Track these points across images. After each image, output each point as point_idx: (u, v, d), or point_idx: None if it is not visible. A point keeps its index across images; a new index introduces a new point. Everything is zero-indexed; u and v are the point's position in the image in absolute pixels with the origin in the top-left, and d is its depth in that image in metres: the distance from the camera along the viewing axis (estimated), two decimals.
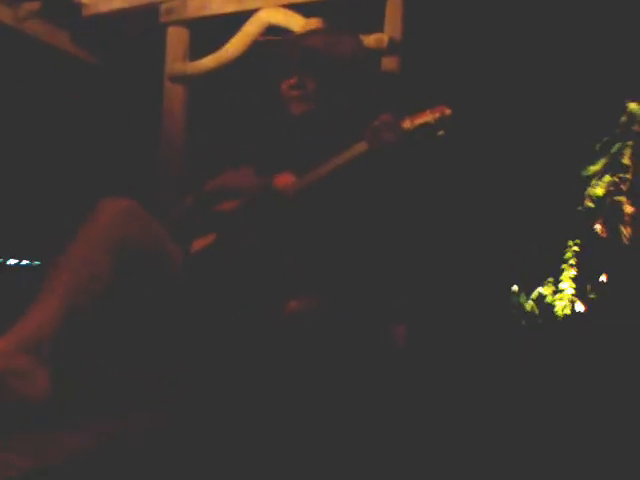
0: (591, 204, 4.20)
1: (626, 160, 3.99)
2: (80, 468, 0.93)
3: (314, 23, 1.65)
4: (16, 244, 2.81)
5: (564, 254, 4.32)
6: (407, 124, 1.44)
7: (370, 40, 1.94)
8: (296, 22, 2.05)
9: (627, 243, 3.89)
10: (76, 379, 1.17)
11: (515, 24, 3.52)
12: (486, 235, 3.86)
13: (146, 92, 2.60)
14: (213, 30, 2.41)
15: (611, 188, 4.06)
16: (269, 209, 1.54)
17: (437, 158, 1.58)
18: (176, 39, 2.42)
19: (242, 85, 2.55)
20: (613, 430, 1.72)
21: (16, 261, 2.84)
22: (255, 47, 2.16)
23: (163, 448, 1.10)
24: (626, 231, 3.90)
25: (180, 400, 1.24)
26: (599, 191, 4.13)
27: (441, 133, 1.42)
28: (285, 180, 1.59)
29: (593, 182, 4.15)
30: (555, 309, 4.02)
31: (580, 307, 3.97)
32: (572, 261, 4.27)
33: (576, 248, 4.30)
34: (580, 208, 4.29)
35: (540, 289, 4.29)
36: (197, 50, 2.41)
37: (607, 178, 4.08)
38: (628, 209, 3.93)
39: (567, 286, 4.21)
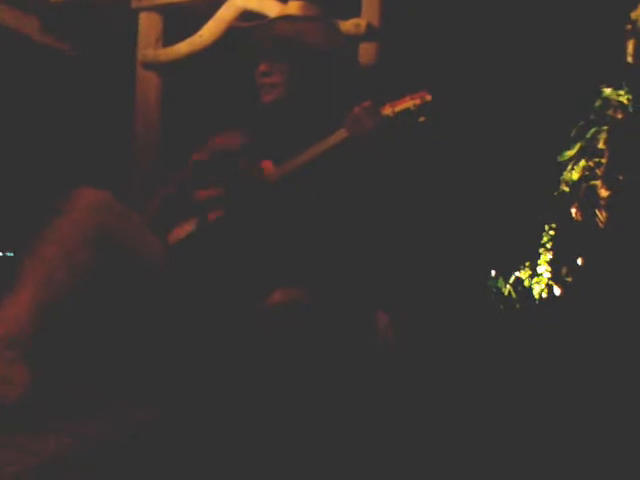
0: (567, 189, 4.24)
1: (601, 145, 4.02)
2: (63, 470, 0.91)
3: (292, 8, 1.62)
4: None
5: (541, 238, 4.37)
6: (387, 110, 1.43)
7: (347, 25, 1.92)
8: (271, 7, 2.02)
9: (602, 227, 3.93)
10: (55, 376, 1.15)
11: (492, 10, 3.52)
12: (463, 221, 3.88)
13: (119, 80, 2.55)
14: (187, 16, 2.37)
15: (586, 173, 4.10)
16: (250, 197, 1.53)
17: (415, 144, 1.58)
18: (148, 25, 2.37)
19: (218, 72, 2.51)
20: (592, 415, 1.74)
21: None
22: (230, 33, 2.13)
23: (146, 446, 1.08)
24: (601, 215, 3.94)
25: (164, 396, 1.23)
26: (574, 176, 4.16)
27: (422, 119, 1.41)
28: (265, 168, 1.58)
29: (569, 167, 4.18)
30: (533, 293, 4.06)
31: (557, 291, 4.02)
32: (548, 245, 4.32)
33: (552, 232, 4.35)
34: (556, 193, 4.33)
35: (517, 273, 4.33)
36: (171, 36, 2.37)
37: (582, 163, 4.11)
38: (603, 193, 3.97)
39: (544, 270, 4.26)
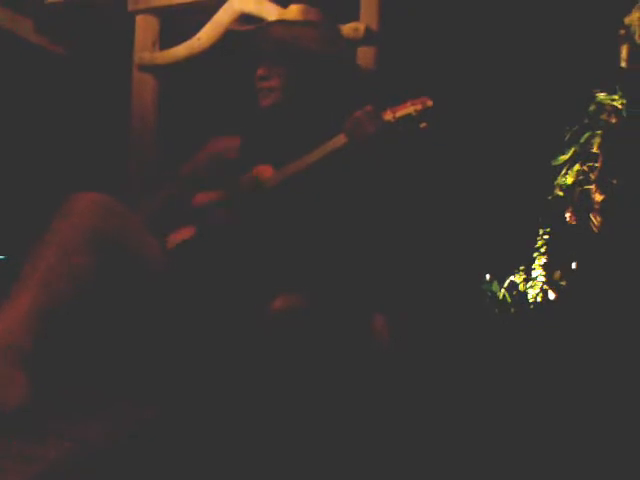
0: (561, 193, 4.27)
1: (595, 149, 4.05)
2: (64, 475, 0.91)
3: (292, 12, 1.62)
4: None
5: (535, 242, 4.39)
6: (388, 116, 1.42)
7: (346, 29, 1.92)
8: (269, 11, 2.02)
9: (597, 231, 3.96)
10: (55, 380, 1.14)
11: (487, 16, 3.54)
12: (458, 224, 3.90)
13: (115, 82, 2.54)
14: (183, 19, 2.37)
15: (580, 177, 4.12)
16: (249, 202, 1.52)
17: (413, 149, 1.58)
18: (145, 28, 2.37)
19: (214, 75, 2.51)
20: (587, 418, 1.75)
21: None
22: (227, 36, 2.13)
23: (147, 448, 1.08)
24: (596, 220, 3.96)
25: (164, 397, 1.22)
26: (569, 180, 4.18)
27: (423, 125, 1.41)
28: (264, 172, 1.58)
29: (563, 171, 4.21)
30: (528, 297, 4.07)
31: (552, 295, 4.03)
32: (543, 249, 4.34)
33: (547, 236, 4.37)
34: (550, 197, 4.35)
35: (512, 277, 4.35)
36: (168, 39, 2.37)
37: (576, 167, 4.13)
38: (597, 197, 3.99)
39: (538, 274, 4.28)
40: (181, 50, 2.24)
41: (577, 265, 3.91)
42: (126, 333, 1.34)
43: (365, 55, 1.95)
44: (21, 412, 1.02)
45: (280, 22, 1.61)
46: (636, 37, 3.90)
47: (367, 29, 1.90)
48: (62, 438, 1.00)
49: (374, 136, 1.41)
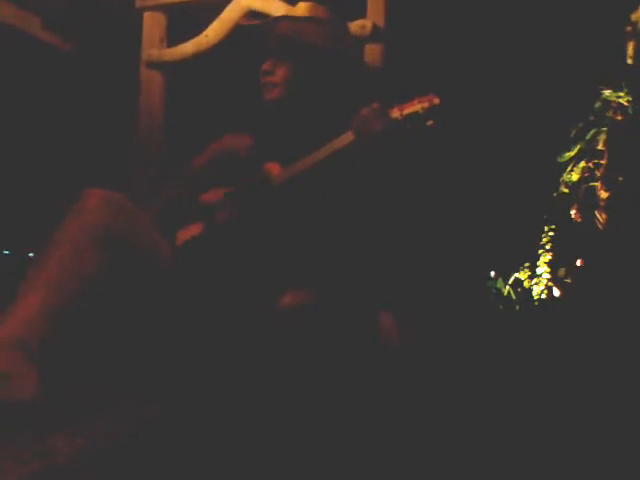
0: (566, 190, 4.26)
1: (601, 146, 4.03)
2: (77, 470, 0.91)
3: (300, 9, 1.62)
4: None
5: (540, 239, 4.38)
6: (395, 113, 1.42)
7: (353, 27, 1.92)
8: (276, 7, 2.02)
9: (602, 228, 3.95)
10: (64, 377, 1.15)
11: (493, 12, 3.54)
12: (463, 221, 3.89)
13: (122, 79, 2.54)
14: (191, 16, 2.37)
15: (586, 174, 4.12)
16: (256, 199, 1.53)
17: (419, 146, 1.58)
18: (152, 25, 2.37)
19: (221, 71, 2.52)
20: (592, 415, 1.75)
21: None
22: (235, 33, 2.13)
23: (158, 447, 1.08)
24: (601, 217, 3.95)
25: (173, 395, 1.23)
26: (574, 177, 4.17)
27: (430, 123, 1.41)
28: (271, 170, 1.58)
29: (568, 168, 4.20)
30: (533, 294, 4.07)
31: (556, 292, 4.03)
32: (548, 246, 4.33)
33: (552, 233, 4.36)
34: (555, 194, 4.34)
35: (516, 274, 4.34)
36: (175, 36, 2.37)
37: (582, 164, 4.12)
38: (603, 194, 3.99)
39: (543, 271, 4.28)
40: (189, 47, 2.24)
41: (582, 262, 3.91)
42: (135, 331, 1.35)
43: (372, 52, 1.95)
44: (32, 407, 1.03)
45: (286, 18, 1.61)
46: None
47: (374, 26, 1.91)
48: (73, 434, 1.00)
49: (381, 134, 1.41)
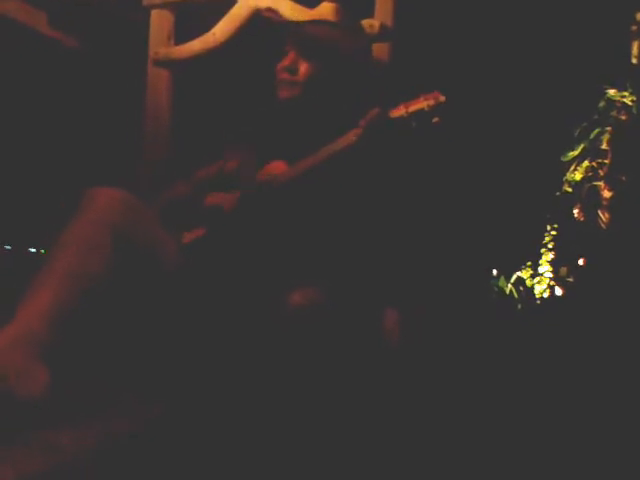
0: (569, 189, 4.26)
1: (604, 145, 4.04)
2: (82, 467, 0.92)
3: (327, 8, 1.61)
4: None
5: (543, 238, 4.39)
6: (401, 111, 1.41)
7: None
8: (285, 7, 2.02)
9: (605, 228, 3.95)
10: (73, 374, 1.15)
11: (499, 12, 3.53)
12: (466, 220, 3.89)
13: (129, 76, 2.54)
14: (198, 13, 2.37)
15: (589, 173, 4.12)
16: (261, 199, 1.53)
17: (424, 145, 1.58)
18: (160, 22, 2.36)
19: (231, 69, 2.51)
20: (593, 412, 1.75)
21: None
22: (243, 31, 2.13)
23: (164, 445, 1.08)
24: (604, 216, 3.96)
25: (179, 394, 1.23)
26: (577, 176, 4.18)
27: (436, 120, 1.40)
28: (276, 169, 1.58)
29: (572, 167, 4.20)
30: (535, 292, 4.08)
31: (558, 291, 4.04)
32: (550, 245, 4.34)
33: (554, 232, 4.37)
34: (558, 193, 4.35)
35: (519, 273, 4.35)
36: (182, 34, 2.36)
37: (585, 163, 4.13)
38: (606, 194, 3.99)
39: (545, 270, 4.28)
40: (197, 45, 2.23)
41: (585, 261, 3.91)
42: (142, 329, 1.35)
43: (380, 51, 1.95)
44: (41, 404, 1.03)
45: (320, 22, 1.60)
46: None
47: (382, 25, 1.90)
48: (79, 431, 1.01)
49: (382, 136, 1.41)
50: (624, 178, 3.94)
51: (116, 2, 2.51)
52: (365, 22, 1.90)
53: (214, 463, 1.14)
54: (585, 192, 4.13)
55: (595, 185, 4.09)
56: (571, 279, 4.05)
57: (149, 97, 2.33)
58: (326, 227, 1.51)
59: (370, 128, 1.42)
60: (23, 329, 1.07)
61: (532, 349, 2.69)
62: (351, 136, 1.44)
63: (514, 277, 4.28)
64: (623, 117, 3.99)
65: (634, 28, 3.98)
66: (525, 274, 4.38)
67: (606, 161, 4.03)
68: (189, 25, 2.31)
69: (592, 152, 4.11)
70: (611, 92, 3.96)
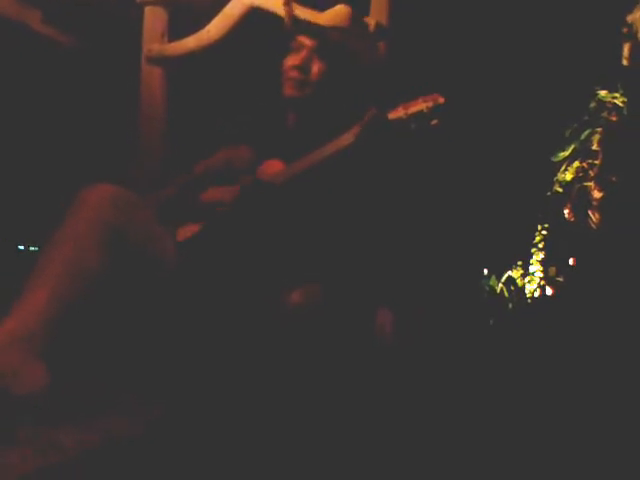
0: (560, 189, 4.28)
1: (595, 146, 4.06)
2: (81, 467, 0.91)
3: (343, 12, 1.61)
4: None
5: (533, 238, 4.41)
6: (400, 112, 1.41)
7: None
8: (279, 5, 2.01)
9: (595, 228, 3.97)
10: (71, 373, 1.15)
11: (490, 13, 3.55)
12: (457, 219, 3.91)
13: (123, 74, 2.53)
14: (192, 11, 2.36)
15: (580, 174, 4.14)
16: (257, 200, 1.52)
17: (420, 145, 1.58)
18: (153, 19, 2.35)
19: (223, 66, 2.51)
20: (582, 408, 1.76)
21: None
22: (238, 28, 2.13)
23: (163, 444, 1.08)
24: (594, 216, 3.98)
25: (178, 395, 1.23)
26: (568, 176, 4.20)
27: (434, 123, 1.40)
28: (273, 167, 1.57)
29: (562, 168, 4.22)
30: (526, 292, 4.10)
31: (549, 290, 4.06)
32: (541, 245, 4.36)
33: (545, 232, 4.40)
34: (549, 193, 4.37)
35: (510, 272, 4.37)
36: (176, 31, 2.36)
37: (576, 164, 4.15)
38: (596, 194, 4.01)
39: (536, 269, 4.31)
40: (191, 42, 2.22)
41: (575, 261, 3.94)
42: (139, 327, 1.34)
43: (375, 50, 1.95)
44: (39, 403, 1.03)
45: (343, 30, 1.59)
46: (638, 35, 3.91)
47: (377, 24, 1.90)
48: (78, 430, 1.00)
49: (380, 138, 1.41)
50: (614, 179, 3.96)
51: None
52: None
53: (213, 461, 1.13)
54: (575, 192, 4.15)
55: (585, 185, 4.11)
56: (561, 279, 4.08)
57: (143, 94, 2.32)
58: (323, 226, 1.51)
59: (367, 129, 1.42)
60: (20, 326, 1.06)
61: (523, 347, 2.71)
62: (348, 137, 1.44)
63: (505, 276, 4.30)
64: (614, 118, 4.01)
65: (625, 30, 4.00)
66: (516, 274, 4.41)
67: (597, 162, 4.05)
68: (183, 22, 2.31)
69: (583, 153, 4.13)
70: (602, 93, 3.98)
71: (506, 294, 4.12)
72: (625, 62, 3.96)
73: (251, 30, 2.13)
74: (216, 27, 2.16)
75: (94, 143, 2.82)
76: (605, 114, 3.97)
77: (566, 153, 4.20)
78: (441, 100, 1.40)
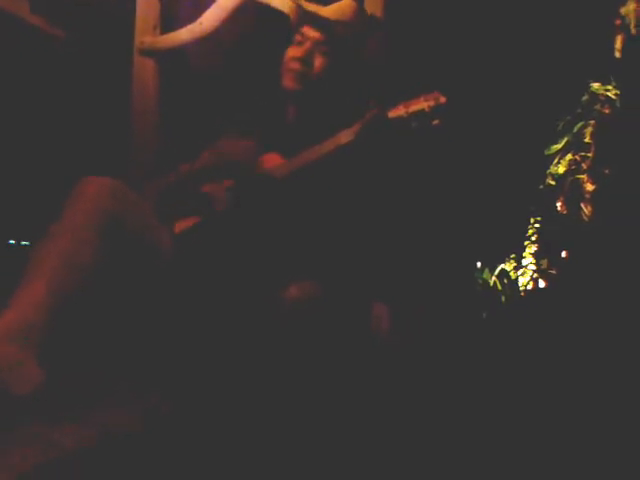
0: (552, 182, 4.30)
1: (587, 139, 4.08)
2: (78, 464, 0.91)
3: (348, 7, 1.59)
4: None
5: (526, 231, 4.43)
6: (400, 111, 1.39)
7: None
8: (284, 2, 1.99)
9: (587, 220, 4.00)
10: (67, 368, 1.14)
11: (482, 7, 3.55)
12: (450, 213, 3.92)
13: (115, 66, 2.51)
14: (185, 2, 2.34)
15: (572, 166, 4.16)
16: (256, 194, 1.52)
17: (418, 143, 1.58)
18: (146, 11, 2.32)
19: (225, 58, 2.49)
20: (572, 403, 1.77)
21: None
22: (231, 20, 2.11)
23: (161, 439, 1.08)
24: (587, 209, 4.00)
25: (178, 390, 1.22)
26: (560, 169, 4.21)
27: (436, 122, 1.38)
28: (272, 161, 1.57)
29: (555, 160, 4.24)
30: (519, 284, 4.12)
31: (542, 283, 4.08)
32: (534, 238, 4.38)
33: (538, 225, 4.41)
34: (542, 186, 4.38)
35: (503, 265, 4.39)
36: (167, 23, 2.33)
37: (569, 156, 4.17)
38: (589, 187, 4.03)
39: (529, 262, 4.32)
40: (184, 34, 2.20)
41: (567, 254, 3.96)
42: (136, 321, 1.34)
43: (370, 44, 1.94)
44: (36, 397, 1.02)
45: (349, 24, 1.58)
46: (631, 27, 3.92)
47: (372, 16, 1.89)
48: (80, 424, 1.00)
49: (380, 136, 1.40)
50: (607, 171, 3.98)
51: None
52: None
53: (211, 457, 1.13)
54: (568, 185, 4.17)
55: (578, 178, 4.13)
56: (553, 271, 4.10)
57: (135, 87, 2.30)
58: (320, 222, 1.50)
59: (367, 128, 1.41)
60: (17, 320, 1.05)
61: (516, 340, 2.72)
62: (348, 135, 1.42)
63: (498, 269, 4.31)
64: (606, 111, 4.03)
65: (618, 22, 4.01)
66: (509, 266, 4.42)
67: (589, 154, 4.07)
68: (176, 14, 2.29)
69: (575, 145, 4.15)
70: (595, 86, 3.99)
71: (499, 287, 4.13)
72: (618, 54, 3.98)
73: (248, 21, 2.11)
74: (209, 19, 2.14)
75: (85, 137, 2.80)
76: (598, 107, 3.98)
77: (559, 146, 4.22)
78: (443, 100, 1.38)
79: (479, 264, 4.36)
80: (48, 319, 1.08)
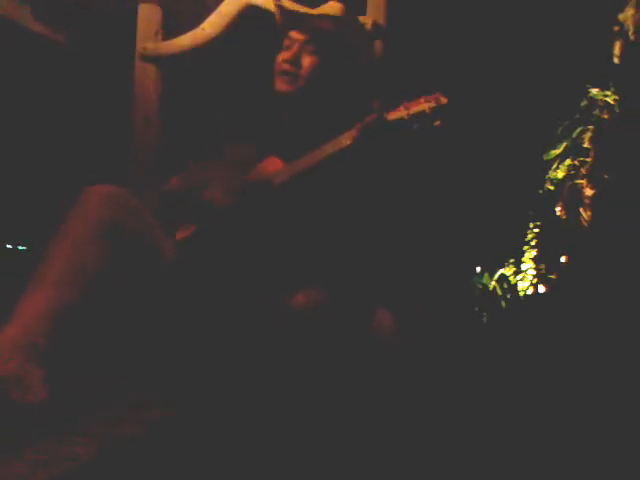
0: (551, 187, 4.30)
1: (586, 144, 4.08)
2: (87, 475, 0.90)
3: (336, 8, 1.59)
4: None
5: (525, 236, 4.43)
6: (402, 112, 1.39)
7: None
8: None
9: (586, 225, 3.99)
10: (70, 377, 1.13)
11: (482, 11, 3.55)
12: (449, 217, 3.92)
13: (117, 72, 2.51)
14: (187, 8, 2.34)
15: (571, 171, 4.16)
16: (256, 201, 1.51)
17: (418, 145, 1.57)
18: (148, 17, 2.32)
19: (218, 64, 2.49)
20: (572, 407, 1.77)
21: None
22: (234, 26, 2.11)
23: (167, 446, 1.07)
24: (586, 214, 4.00)
25: (181, 397, 1.22)
26: (560, 174, 4.21)
27: (437, 123, 1.38)
28: (271, 166, 1.56)
29: (554, 165, 4.24)
30: (518, 289, 4.11)
31: (542, 288, 4.08)
32: (533, 243, 4.38)
33: (537, 230, 4.41)
34: (541, 191, 4.39)
35: (502, 270, 4.38)
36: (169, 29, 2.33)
37: (568, 161, 4.17)
38: (588, 192, 4.03)
39: (528, 267, 4.32)
40: (186, 40, 2.20)
41: (567, 259, 3.96)
42: (139, 328, 1.33)
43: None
44: (41, 408, 1.01)
45: (329, 16, 1.57)
46: (630, 34, 3.93)
47: (374, 23, 1.89)
48: (87, 437, 0.99)
49: (379, 141, 1.40)
50: (606, 176, 3.98)
51: None
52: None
53: (219, 465, 1.13)
54: (567, 190, 4.17)
55: (577, 183, 4.13)
56: (553, 276, 4.09)
57: (137, 93, 2.30)
58: (322, 227, 1.50)
59: (366, 132, 1.40)
60: (21, 330, 1.05)
61: (516, 345, 2.71)
62: (347, 139, 1.42)
63: (498, 274, 4.31)
64: (605, 116, 4.03)
65: (616, 28, 4.02)
66: (508, 271, 4.42)
67: (588, 159, 4.07)
68: (178, 20, 2.29)
69: (574, 150, 4.15)
70: (594, 91, 4.00)
71: (499, 292, 4.13)
72: (616, 60, 3.99)
73: (247, 28, 2.11)
74: (212, 25, 2.14)
75: (87, 142, 2.79)
76: (597, 112, 3.99)
77: (558, 151, 4.22)
78: (444, 101, 1.38)
79: (479, 269, 4.36)
80: (51, 329, 1.07)
